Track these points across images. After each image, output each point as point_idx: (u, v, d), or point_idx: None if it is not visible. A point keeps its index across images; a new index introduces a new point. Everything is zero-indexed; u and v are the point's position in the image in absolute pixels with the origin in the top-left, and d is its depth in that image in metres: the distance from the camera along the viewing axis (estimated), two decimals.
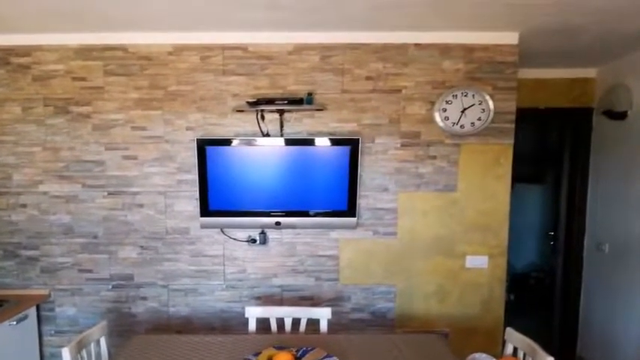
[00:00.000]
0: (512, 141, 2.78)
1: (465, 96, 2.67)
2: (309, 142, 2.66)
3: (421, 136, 2.79)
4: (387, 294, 2.91)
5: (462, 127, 2.70)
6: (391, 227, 2.87)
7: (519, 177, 3.28)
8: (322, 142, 2.66)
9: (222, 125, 2.77)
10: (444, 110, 2.70)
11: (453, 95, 2.67)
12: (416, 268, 2.90)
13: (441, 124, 2.72)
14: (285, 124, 2.75)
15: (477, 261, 2.86)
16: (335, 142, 2.65)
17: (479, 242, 2.86)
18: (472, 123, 2.68)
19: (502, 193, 2.82)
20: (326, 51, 2.74)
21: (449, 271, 2.90)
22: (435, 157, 2.80)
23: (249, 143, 2.66)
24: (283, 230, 2.84)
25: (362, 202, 2.82)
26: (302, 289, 2.91)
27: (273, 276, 2.90)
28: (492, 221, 2.85)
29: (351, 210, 2.70)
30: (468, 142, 2.78)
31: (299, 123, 2.77)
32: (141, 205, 2.84)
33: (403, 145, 2.80)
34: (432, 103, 2.75)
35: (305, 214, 2.69)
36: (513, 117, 2.76)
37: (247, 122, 2.76)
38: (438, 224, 2.86)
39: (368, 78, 2.75)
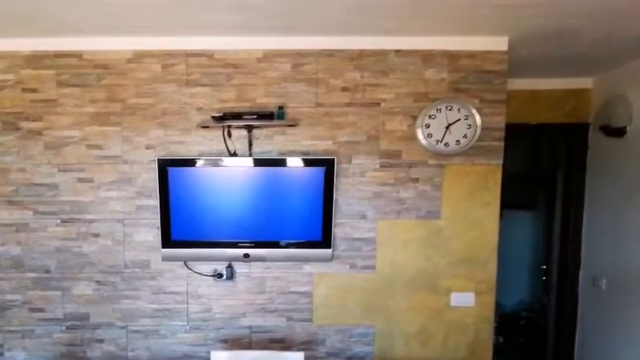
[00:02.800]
0: (500, 161, 2.40)
1: (450, 110, 2.28)
2: (280, 162, 2.32)
3: (402, 156, 2.40)
4: (364, 336, 2.49)
5: (446, 145, 2.30)
6: (369, 260, 2.46)
7: (508, 202, 2.83)
8: (294, 162, 2.32)
9: (186, 143, 2.39)
10: (427, 126, 2.30)
11: (437, 109, 2.30)
12: (396, 307, 2.49)
13: (423, 141, 2.32)
14: (254, 142, 2.37)
15: (463, 298, 2.46)
16: (308, 162, 2.30)
17: (465, 277, 2.45)
18: (457, 141, 2.30)
19: (490, 220, 2.43)
20: (298, 58, 2.37)
21: (432, 310, 2.49)
22: (417, 180, 2.41)
23: (215, 164, 2.32)
24: (252, 263, 2.44)
25: (337, 232, 2.42)
26: (272, 330, 2.50)
27: (241, 315, 2.49)
28: (479, 253, 2.44)
29: (325, 240, 2.32)
30: (452, 162, 2.40)
31: (269, 140, 2.39)
32: (97, 235, 2.44)
33: (382, 166, 2.40)
34: (414, 118, 2.37)
35: (276, 244, 2.33)
36: (502, 134, 2.38)
37: (213, 140, 2.38)
38: (420, 256, 2.46)
39: (344, 89, 2.38)
